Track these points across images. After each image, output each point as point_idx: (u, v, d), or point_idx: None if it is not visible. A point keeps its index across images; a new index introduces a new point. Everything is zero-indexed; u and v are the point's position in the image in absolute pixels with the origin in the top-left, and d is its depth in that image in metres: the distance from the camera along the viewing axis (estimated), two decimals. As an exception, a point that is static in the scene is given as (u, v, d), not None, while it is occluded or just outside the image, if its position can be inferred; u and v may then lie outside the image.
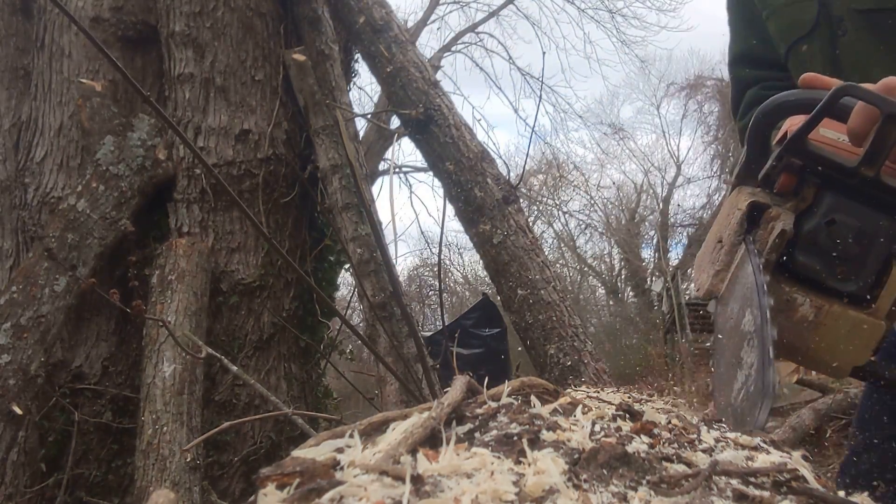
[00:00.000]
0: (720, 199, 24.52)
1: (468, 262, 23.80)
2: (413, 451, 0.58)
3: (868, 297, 0.90)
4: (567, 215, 25.09)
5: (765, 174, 0.93)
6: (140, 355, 3.02)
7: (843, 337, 0.90)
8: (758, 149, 0.96)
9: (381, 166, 14.00)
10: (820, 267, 0.90)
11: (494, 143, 18.39)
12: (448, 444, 0.60)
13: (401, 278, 10.97)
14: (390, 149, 12.63)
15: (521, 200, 3.50)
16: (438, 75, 11.72)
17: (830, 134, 0.91)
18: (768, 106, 0.95)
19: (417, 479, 0.51)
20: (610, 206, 25.84)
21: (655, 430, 0.70)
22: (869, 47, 1.22)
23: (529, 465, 0.57)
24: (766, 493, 0.57)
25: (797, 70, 1.27)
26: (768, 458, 0.68)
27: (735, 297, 0.92)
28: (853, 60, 1.25)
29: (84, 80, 3.25)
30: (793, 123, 0.93)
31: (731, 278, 0.94)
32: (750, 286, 0.87)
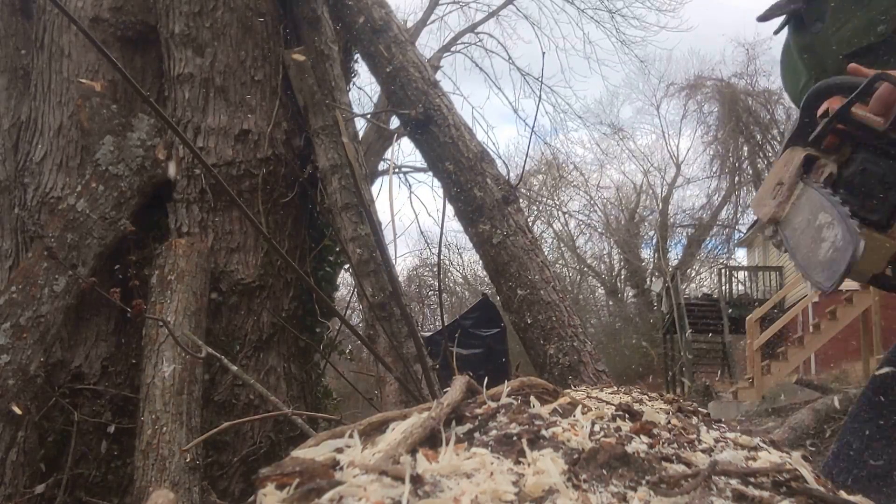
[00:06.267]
0: (720, 199, 24.52)
1: (468, 262, 23.81)
2: (413, 452, 0.58)
3: (887, 224, 1.22)
4: (567, 215, 25.10)
5: (815, 136, 1.27)
6: (139, 355, 3.02)
7: (867, 251, 1.19)
8: (809, 118, 1.29)
9: (381, 166, 14.00)
10: (854, 201, 1.21)
11: (494, 143, 18.39)
12: (447, 444, 0.60)
13: (400, 278, 10.97)
14: (390, 149, 12.64)
15: (521, 200, 3.50)
16: (438, 75, 11.71)
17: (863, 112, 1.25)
18: (820, 87, 1.28)
19: (417, 480, 0.51)
20: (609, 207, 25.85)
21: (655, 431, 0.70)
22: None
23: (529, 465, 0.57)
24: (766, 493, 0.57)
25: None
26: (768, 458, 0.68)
27: (801, 212, 1.28)
28: None
29: (83, 80, 3.24)
30: (832, 103, 1.25)
31: (793, 206, 1.30)
32: (817, 199, 1.23)
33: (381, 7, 3.43)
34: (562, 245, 25.07)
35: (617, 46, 21.77)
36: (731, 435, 0.75)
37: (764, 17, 1.69)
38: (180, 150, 3.27)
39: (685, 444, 0.68)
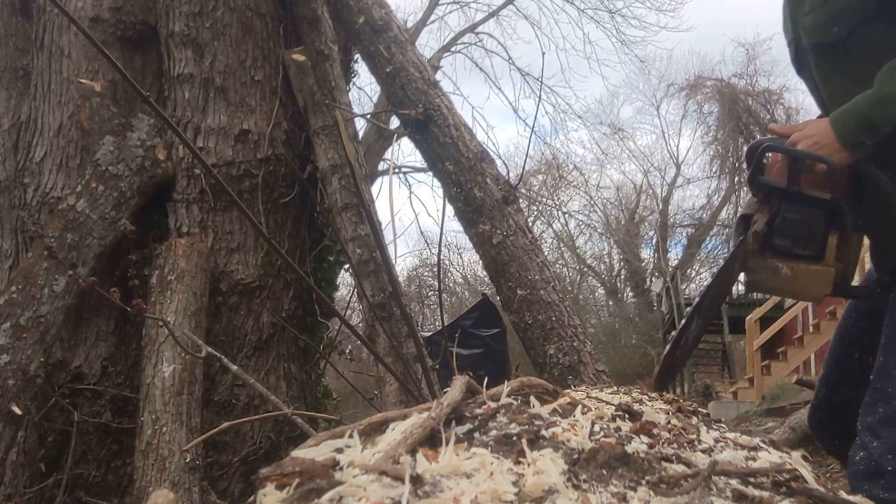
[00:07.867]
0: (719, 199, 24.54)
1: (468, 262, 23.77)
2: (413, 452, 0.58)
3: (820, 255, 1.50)
4: (566, 215, 25.07)
5: (751, 197, 1.64)
6: (139, 355, 3.02)
7: (812, 282, 1.52)
8: (752, 169, 1.59)
9: (381, 166, 14.00)
10: (788, 244, 1.52)
11: (494, 143, 18.30)
12: (447, 444, 0.60)
13: (400, 278, 10.97)
14: (390, 149, 12.64)
15: (521, 200, 3.50)
16: (438, 75, 11.71)
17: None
18: (752, 146, 1.60)
19: (417, 480, 0.51)
20: (609, 207, 25.82)
21: (655, 431, 0.70)
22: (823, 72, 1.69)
23: (529, 465, 0.57)
24: (766, 494, 0.57)
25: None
26: (768, 458, 0.68)
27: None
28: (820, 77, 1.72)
29: (83, 80, 3.24)
30: (774, 155, 1.59)
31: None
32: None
33: (381, 7, 3.43)
34: (562, 245, 25.05)
35: (617, 46, 21.66)
36: (731, 435, 0.75)
37: None
38: (180, 150, 3.27)
39: (685, 444, 0.68)
